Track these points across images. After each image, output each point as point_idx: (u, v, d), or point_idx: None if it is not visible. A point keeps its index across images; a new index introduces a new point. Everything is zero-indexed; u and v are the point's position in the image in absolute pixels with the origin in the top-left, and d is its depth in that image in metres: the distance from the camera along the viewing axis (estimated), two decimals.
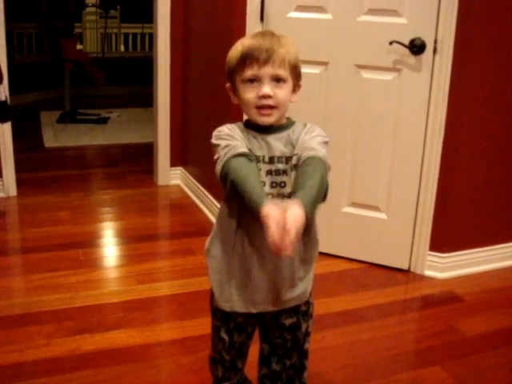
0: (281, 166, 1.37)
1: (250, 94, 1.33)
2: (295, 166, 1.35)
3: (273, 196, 1.36)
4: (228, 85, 1.41)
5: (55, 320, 2.31)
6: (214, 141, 1.38)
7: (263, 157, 1.37)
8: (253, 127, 1.38)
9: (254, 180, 1.27)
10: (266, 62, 1.31)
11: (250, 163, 1.31)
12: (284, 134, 1.38)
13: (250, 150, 1.35)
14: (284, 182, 1.37)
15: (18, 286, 2.63)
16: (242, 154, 1.30)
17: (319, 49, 2.74)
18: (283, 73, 1.33)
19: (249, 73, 1.33)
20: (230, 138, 1.35)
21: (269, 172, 1.37)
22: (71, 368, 2.02)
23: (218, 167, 1.32)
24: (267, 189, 1.36)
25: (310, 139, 1.36)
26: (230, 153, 1.30)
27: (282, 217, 1.11)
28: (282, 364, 1.57)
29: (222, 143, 1.34)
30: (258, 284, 1.42)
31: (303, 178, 1.26)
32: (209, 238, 1.50)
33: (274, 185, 1.37)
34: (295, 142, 1.37)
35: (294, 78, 1.37)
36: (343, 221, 2.91)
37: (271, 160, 1.37)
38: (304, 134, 1.37)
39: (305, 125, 1.41)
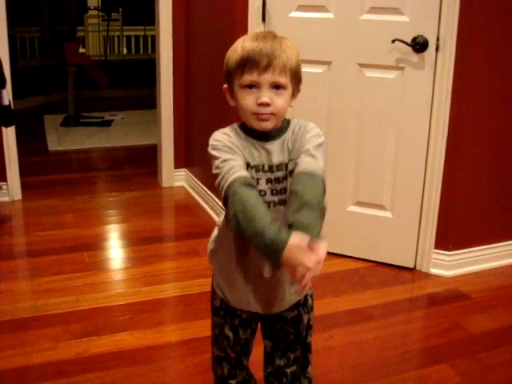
0: (280, 174, 1.36)
1: (248, 100, 1.29)
2: (291, 173, 1.35)
3: (274, 203, 1.36)
4: (225, 86, 1.37)
5: (62, 323, 2.32)
6: (211, 151, 1.33)
7: (262, 166, 1.35)
8: (251, 133, 1.35)
9: (266, 220, 1.20)
10: (267, 68, 1.26)
11: (255, 196, 1.25)
12: (282, 139, 1.36)
13: (248, 163, 1.33)
14: (284, 189, 1.36)
15: (24, 290, 2.63)
16: (245, 182, 1.25)
17: (321, 48, 2.74)
18: (283, 80, 1.29)
19: (248, 79, 1.28)
20: (229, 151, 1.31)
21: (269, 180, 1.35)
22: (78, 371, 2.03)
23: (221, 189, 1.28)
24: (268, 196, 1.36)
25: (307, 141, 1.33)
26: (232, 177, 1.25)
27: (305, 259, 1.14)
28: (286, 358, 1.57)
29: (222, 156, 1.30)
30: (255, 291, 1.44)
31: (305, 211, 1.21)
32: (211, 243, 1.50)
33: (274, 192, 1.36)
34: (292, 144, 1.35)
35: (293, 84, 1.33)
36: (348, 220, 2.90)
37: (271, 168, 1.35)
38: (301, 136, 1.35)
39: (300, 126, 1.37)
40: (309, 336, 1.57)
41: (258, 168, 1.35)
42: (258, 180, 1.35)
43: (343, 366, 2.10)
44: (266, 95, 1.28)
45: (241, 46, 1.30)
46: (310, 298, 1.55)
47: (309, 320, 1.55)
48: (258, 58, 1.26)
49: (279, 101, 1.30)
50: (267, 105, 1.28)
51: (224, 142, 1.32)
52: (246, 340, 1.54)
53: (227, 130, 1.37)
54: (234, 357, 1.54)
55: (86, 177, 4.33)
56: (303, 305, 1.52)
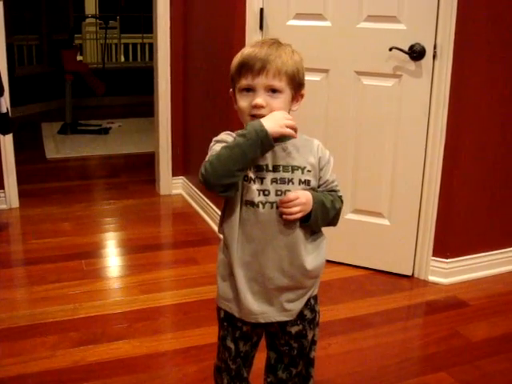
0: (286, 175, 1.37)
1: (244, 103, 1.36)
2: (304, 183, 1.39)
3: (277, 206, 1.37)
4: (231, 91, 1.43)
5: (59, 331, 2.31)
6: (212, 143, 1.40)
7: (266, 165, 1.37)
8: None
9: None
10: (260, 72, 1.32)
11: None
12: (287, 145, 1.38)
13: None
14: (289, 191, 1.37)
15: (22, 298, 2.62)
16: None
17: (319, 56, 2.74)
18: (278, 83, 1.33)
19: (244, 82, 1.35)
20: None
21: (274, 180, 1.37)
22: (76, 379, 2.02)
23: (201, 168, 1.36)
24: (272, 197, 1.37)
25: (332, 177, 1.46)
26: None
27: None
28: (288, 372, 1.57)
29: (217, 144, 1.36)
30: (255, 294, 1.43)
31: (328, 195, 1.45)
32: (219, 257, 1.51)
33: (279, 193, 1.37)
34: (319, 164, 1.41)
35: (292, 88, 1.37)
36: (346, 228, 2.90)
37: (275, 168, 1.37)
38: (326, 164, 1.43)
39: (318, 145, 1.43)
40: (312, 351, 1.58)
41: (261, 167, 1.37)
42: (262, 180, 1.37)
43: (342, 374, 2.09)
44: (259, 98, 1.33)
45: (241, 53, 1.37)
46: (317, 315, 1.55)
47: (313, 336, 1.56)
48: (251, 63, 1.33)
49: (275, 104, 1.34)
50: (261, 107, 1.33)
51: (225, 138, 1.38)
52: (246, 353, 1.54)
53: (230, 132, 1.41)
54: (234, 368, 1.54)
55: (83, 184, 4.33)
56: (310, 321, 1.52)
